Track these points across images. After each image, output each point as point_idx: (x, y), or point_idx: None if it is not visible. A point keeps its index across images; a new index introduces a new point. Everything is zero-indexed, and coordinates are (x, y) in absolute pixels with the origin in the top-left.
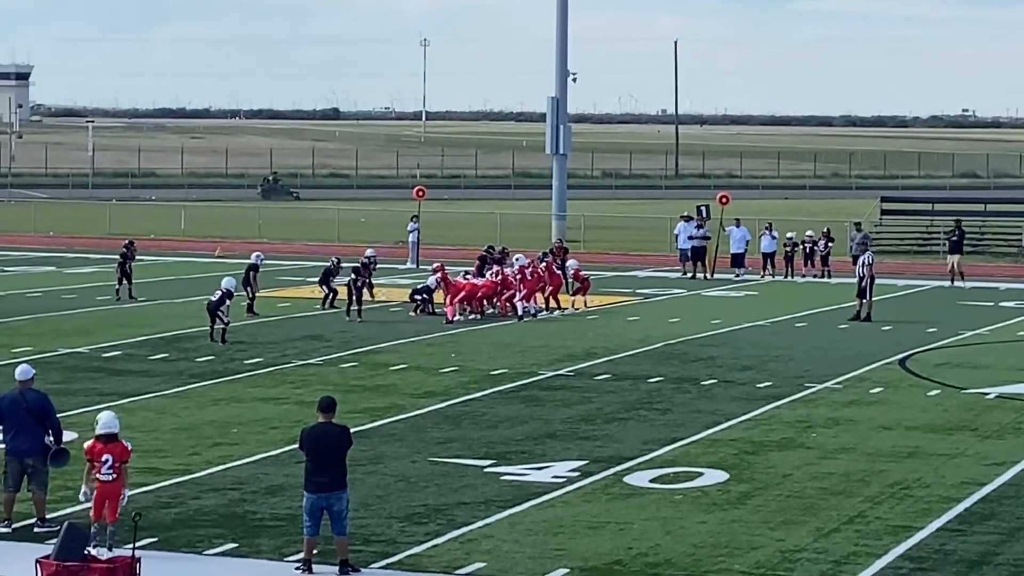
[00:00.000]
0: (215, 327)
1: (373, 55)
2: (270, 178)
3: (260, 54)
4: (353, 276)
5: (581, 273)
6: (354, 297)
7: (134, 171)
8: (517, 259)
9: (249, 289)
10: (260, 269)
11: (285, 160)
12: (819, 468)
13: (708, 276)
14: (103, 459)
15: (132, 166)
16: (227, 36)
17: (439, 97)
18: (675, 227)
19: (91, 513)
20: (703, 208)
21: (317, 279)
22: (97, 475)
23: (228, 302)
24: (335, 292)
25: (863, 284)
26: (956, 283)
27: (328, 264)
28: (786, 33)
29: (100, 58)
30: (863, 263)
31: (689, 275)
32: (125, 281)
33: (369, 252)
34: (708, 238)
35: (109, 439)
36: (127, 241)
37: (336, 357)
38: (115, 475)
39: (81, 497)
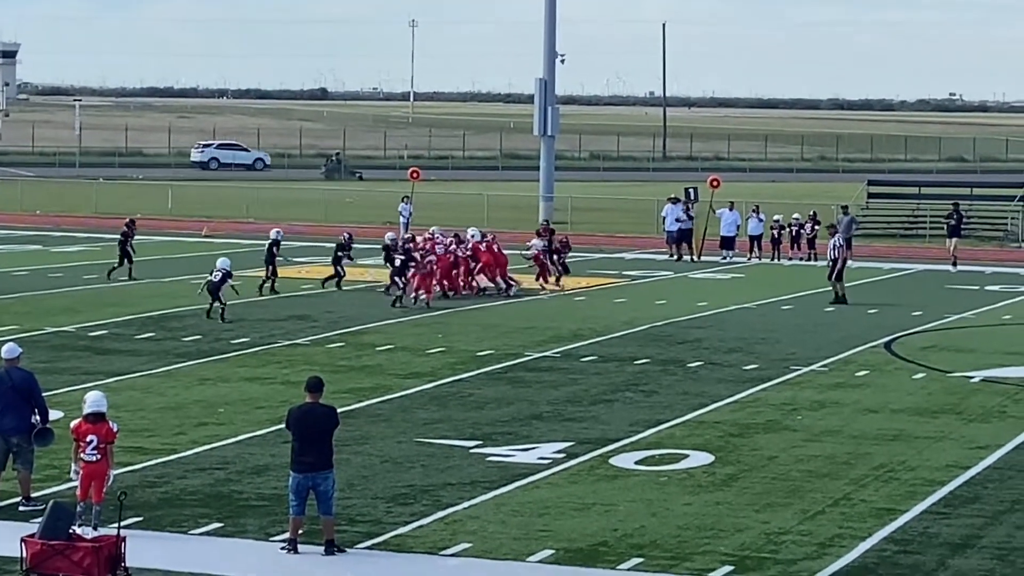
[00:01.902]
0: (214, 305)
1: (361, 35)
2: (333, 157)
3: (248, 34)
4: (404, 258)
5: (541, 257)
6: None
7: (121, 150)
8: (472, 235)
9: (270, 267)
10: (281, 245)
11: (272, 140)
12: (804, 451)
13: (695, 258)
14: (88, 440)
15: (119, 145)
16: (215, 15)
17: (427, 78)
18: (662, 209)
19: (77, 492)
20: (691, 190)
21: (331, 259)
22: (82, 455)
23: (229, 281)
24: (341, 274)
25: (837, 266)
26: (950, 267)
27: (340, 239)
28: (774, 16)
29: (88, 36)
30: (833, 246)
31: (676, 257)
32: (126, 261)
33: (391, 235)
34: (694, 219)
35: (97, 418)
36: (128, 220)
37: (323, 337)
38: (100, 456)
39: (72, 475)
